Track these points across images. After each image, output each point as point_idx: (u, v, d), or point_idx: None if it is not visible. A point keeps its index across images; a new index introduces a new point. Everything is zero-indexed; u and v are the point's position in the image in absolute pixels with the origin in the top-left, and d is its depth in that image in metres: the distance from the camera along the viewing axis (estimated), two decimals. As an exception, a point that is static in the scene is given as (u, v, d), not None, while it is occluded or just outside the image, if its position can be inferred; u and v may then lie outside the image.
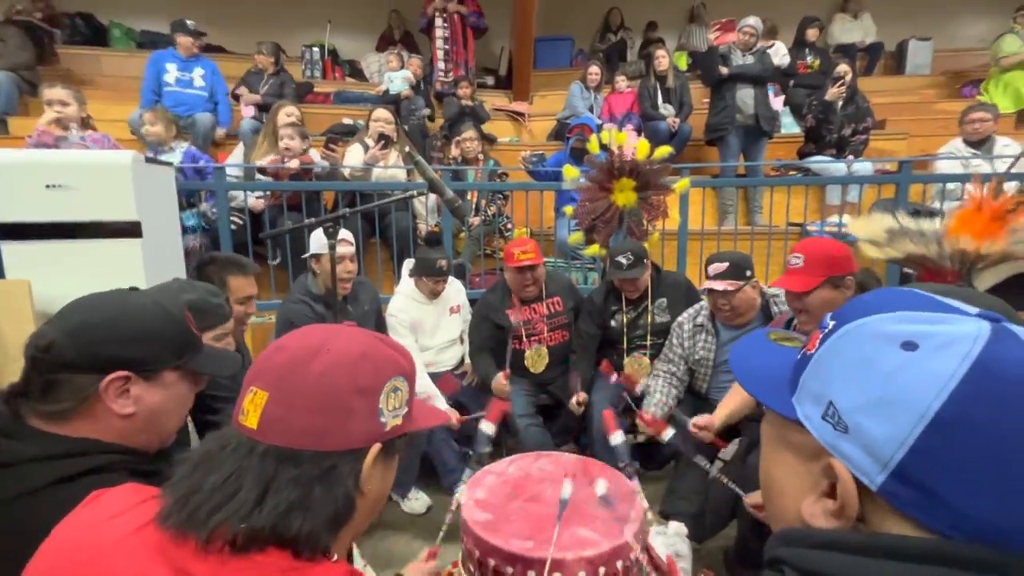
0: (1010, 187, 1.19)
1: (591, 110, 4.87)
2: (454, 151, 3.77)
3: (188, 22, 4.11)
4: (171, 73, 4.06)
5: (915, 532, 0.36)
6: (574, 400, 2.30)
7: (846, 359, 0.40)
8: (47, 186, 1.95)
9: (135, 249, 2.04)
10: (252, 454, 0.53)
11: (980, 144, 3.48)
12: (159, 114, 3.08)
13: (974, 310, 0.39)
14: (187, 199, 2.89)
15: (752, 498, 1.30)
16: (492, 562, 1.17)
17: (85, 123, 2.72)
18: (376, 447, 0.58)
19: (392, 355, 0.62)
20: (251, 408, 0.55)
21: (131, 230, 2.03)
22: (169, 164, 2.53)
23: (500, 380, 2.28)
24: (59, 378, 0.73)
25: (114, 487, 0.59)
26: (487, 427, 1.94)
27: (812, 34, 5.27)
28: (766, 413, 0.47)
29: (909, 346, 0.37)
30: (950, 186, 3.20)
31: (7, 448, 0.70)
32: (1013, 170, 1.26)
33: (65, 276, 1.95)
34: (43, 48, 5.33)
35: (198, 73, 4.11)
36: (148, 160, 2.23)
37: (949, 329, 0.37)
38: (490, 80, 6.62)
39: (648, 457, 2.46)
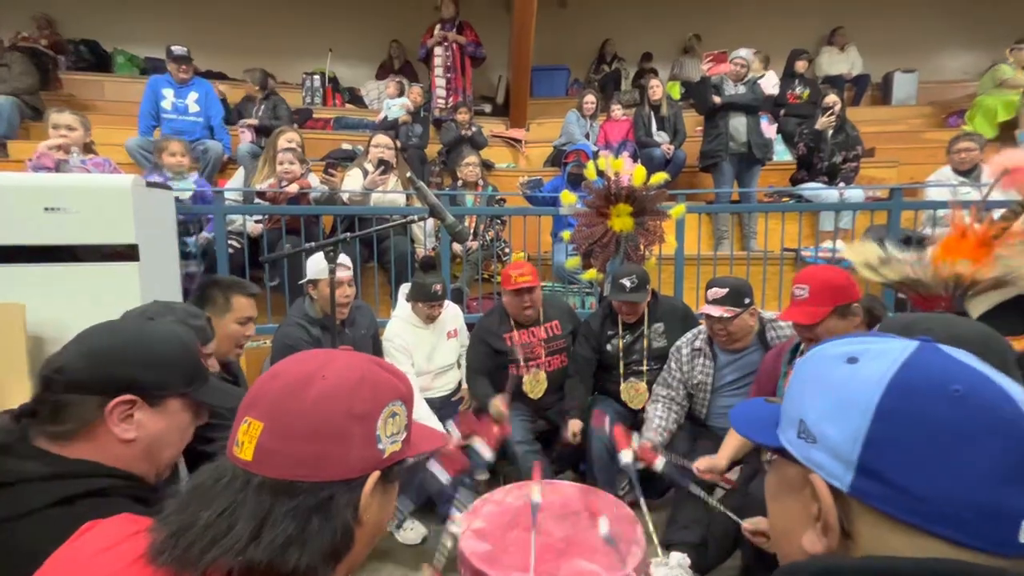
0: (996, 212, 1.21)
1: (587, 137, 4.96)
2: (459, 174, 3.81)
3: (174, 48, 4.14)
4: (168, 99, 4.12)
5: (894, 531, 0.40)
6: (569, 432, 2.26)
7: (806, 381, 0.48)
8: (46, 209, 1.96)
9: (132, 272, 2.03)
10: (247, 487, 0.52)
11: (968, 173, 3.56)
12: (182, 144, 3.15)
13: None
14: (185, 229, 2.90)
15: (751, 523, 1.28)
16: (491, 595, 1.14)
17: (88, 148, 2.75)
18: (375, 475, 0.56)
19: (389, 379, 0.61)
20: (246, 440, 0.53)
21: (129, 253, 2.03)
22: (173, 190, 2.55)
23: (497, 405, 2.25)
24: (69, 399, 0.74)
25: (107, 518, 0.58)
26: (484, 449, 1.86)
27: (801, 66, 5.42)
28: (768, 466, 0.51)
29: (852, 360, 0.45)
30: (940, 212, 3.26)
31: (8, 467, 0.69)
32: (994, 197, 1.27)
33: (61, 299, 1.94)
34: (47, 74, 5.41)
35: (192, 98, 4.16)
36: (149, 184, 2.24)
37: (883, 345, 0.45)
38: (488, 108, 6.75)
39: (647, 486, 2.42)
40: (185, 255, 2.66)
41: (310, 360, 0.59)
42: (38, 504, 0.67)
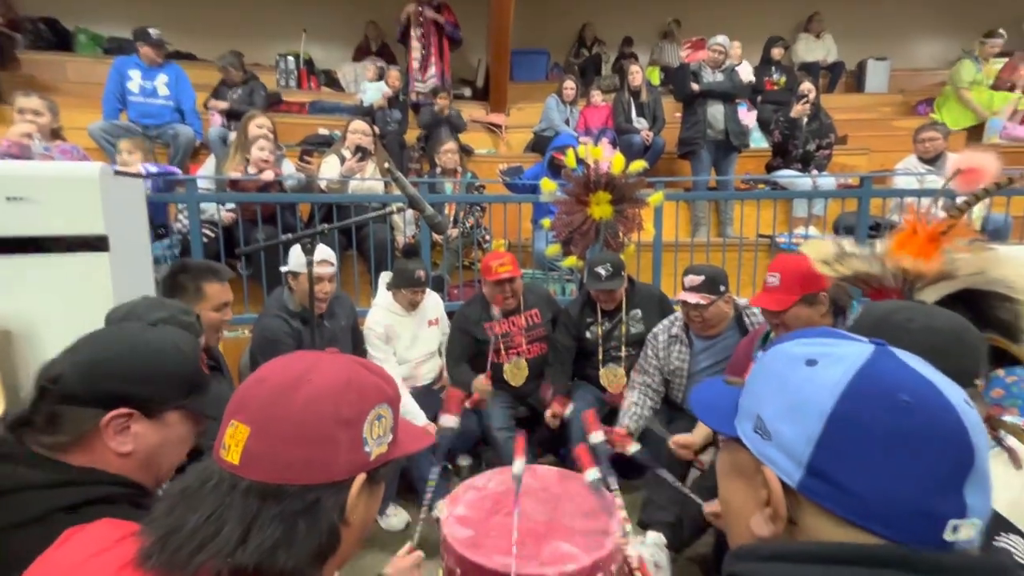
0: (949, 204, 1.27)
1: (567, 123, 4.95)
2: (437, 161, 3.77)
3: (151, 31, 3.94)
4: (135, 81, 3.93)
5: (833, 524, 0.44)
6: (548, 413, 2.32)
7: (767, 378, 0.50)
8: (8, 198, 1.89)
9: (102, 263, 1.98)
10: (234, 491, 0.52)
11: (933, 161, 3.67)
12: (137, 142, 2.93)
13: (864, 338, 0.49)
14: (155, 230, 2.76)
15: (711, 506, 1.33)
16: (473, 579, 1.17)
17: (56, 134, 2.63)
18: (361, 477, 0.57)
19: (375, 382, 0.61)
20: (232, 443, 0.54)
21: (98, 244, 1.97)
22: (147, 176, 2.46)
23: (482, 380, 2.26)
24: (63, 410, 0.73)
25: (89, 524, 0.58)
26: (447, 420, 1.81)
27: (777, 53, 5.47)
28: (721, 445, 0.54)
29: (811, 363, 0.47)
30: (907, 200, 3.36)
31: (10, 474, 0.69)
32: (951, 187, 1.32)
33: (29, 292, 1.89)
34: (3, 54, 5.16)
35: (162, 81, 3.98)
36: (117, 173, 2.18)
37: (841, 349, 0.47)
38: (467, 92, 6.67)
39: (624, 468, 2.49)
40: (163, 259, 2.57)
41: (296, 363, 0.59)
42: (40, 512, 0.66)
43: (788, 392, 0.47)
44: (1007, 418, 0.85)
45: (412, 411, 2.21)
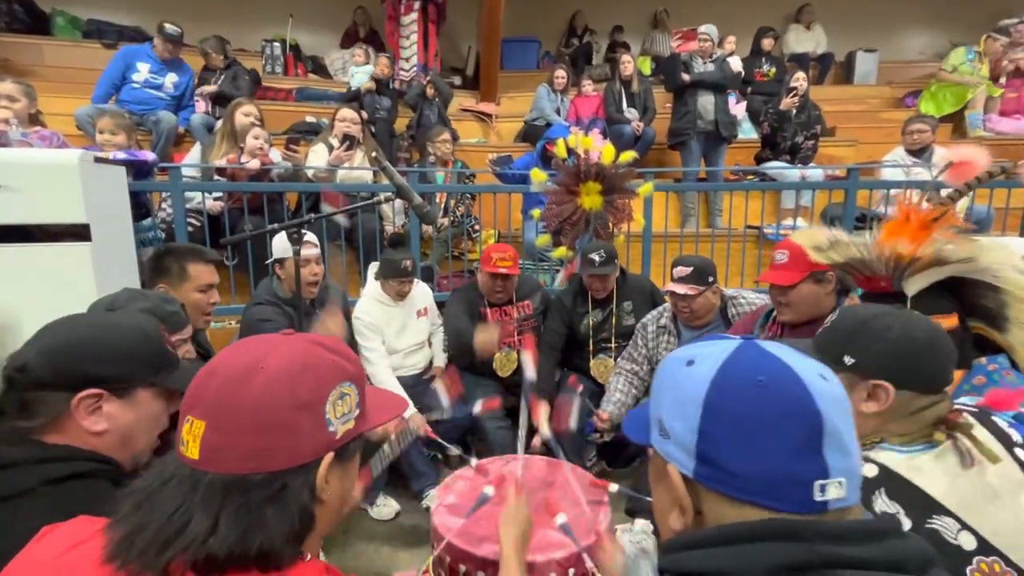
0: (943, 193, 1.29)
1: (558, 112, 4.92)
2: (431, 151, 3.72)
3: (167, 25, 3.93)
4: (142, 73, 3.88)
5: (729, 506, 0.49)
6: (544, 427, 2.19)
7: (661, 383, 0.56)
8: (-16, 186, 1.84)
9: (84, 253, 1.94)
10: (197, 487, 0.51)
11: (920, 153, 3.71)
12: (121, 122, 2.76)
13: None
14: (138, 212, 2.68)
15: None
16: (463, 568, 1.18)
17: (34, 119, 2.55)
18: (328, 456, 0.56)
19: (334, 361, 0.59)
20: (190, 439, 0.53)
21: (80, 233, 1.93)
22: (115, 163, 2.39)
23: (486, 332, 2.19)
24: (33, 396, 0.75)
25: (66, 522, 0.57)
26: (443, 394, 1.82)
27: (767, 44, 5.46)
28: (649, 455, 0.59)
29: (690, 363, 0.53)
30: (893, 192, 3.40)
31: (7, 452, 0.71)
32: (941, 179, 1.34)
33: (9, 282, 1.85)
34: (-23, 36, 5.00)
35: (171, 79, 3.95)
36: (98, 160, 2.12)
37: (713, 347, 0.54)
38: (457, 80, 6.59)
39: (614, 455, 2.51)
40: (145, 242, 2.51)
41: (248, 352, 0.57)
42: (28, 485, 0.69)
43: (675, 391, 0.53)
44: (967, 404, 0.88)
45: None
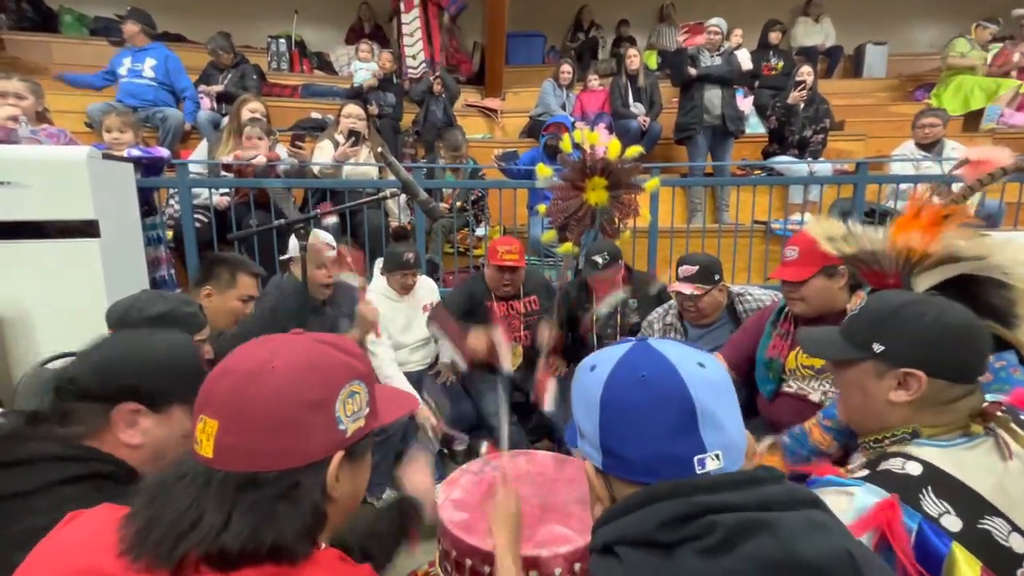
0: (955, 188, 1.27)
1: (563, 107, 4.90)
2: (445, 156, 3.71)
3: (137, 10, 3.97)
4: (125, 66, 3.92)
5: (630, 490, 0.56)
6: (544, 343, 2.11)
7: (573, 390, 0.63)
8: (-6, 183, 1.86)
9: (93, 249, 1.95)
10: (210, 483, 0.52)
11: (931, 147, 3.66)
12: (128, 119, 2.78)
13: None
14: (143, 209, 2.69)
15: None
16: (469, 562, 1.18)
17: (42, 117, 2.57)
18: (339, 455, 0.57)
19: (343, 359, 0.60)
20: (203, 438, 0.53)
21: (88, 230, 1.95)
22: (128, 160, 2.41)
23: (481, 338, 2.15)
24: (77, 406, 0.79)
25: (90, 509, 0.58)
26: (459, 358, 1.86)
27: (775, 37, 5.40)
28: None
29: (593, 368, 0.61)
30: (903, 186, 3.36)
31: (28, 448, 0.75)
32: (956, 174, 1.32)
33: (19, 278, 1.87)
34: (-14, 34, 5.04)
35: (148, 64, 3.95)
36: (106, 156, 2.14)
37: (612, 351, 0.61)
38: (462, 75, 6.57)
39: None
40: (149, 240, 2.52)
41: (259, 352, 0.57)
42: (53, 479, 0.72)
43: (583, 396, 0.60)
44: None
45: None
